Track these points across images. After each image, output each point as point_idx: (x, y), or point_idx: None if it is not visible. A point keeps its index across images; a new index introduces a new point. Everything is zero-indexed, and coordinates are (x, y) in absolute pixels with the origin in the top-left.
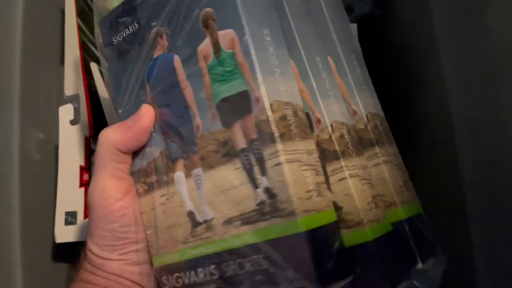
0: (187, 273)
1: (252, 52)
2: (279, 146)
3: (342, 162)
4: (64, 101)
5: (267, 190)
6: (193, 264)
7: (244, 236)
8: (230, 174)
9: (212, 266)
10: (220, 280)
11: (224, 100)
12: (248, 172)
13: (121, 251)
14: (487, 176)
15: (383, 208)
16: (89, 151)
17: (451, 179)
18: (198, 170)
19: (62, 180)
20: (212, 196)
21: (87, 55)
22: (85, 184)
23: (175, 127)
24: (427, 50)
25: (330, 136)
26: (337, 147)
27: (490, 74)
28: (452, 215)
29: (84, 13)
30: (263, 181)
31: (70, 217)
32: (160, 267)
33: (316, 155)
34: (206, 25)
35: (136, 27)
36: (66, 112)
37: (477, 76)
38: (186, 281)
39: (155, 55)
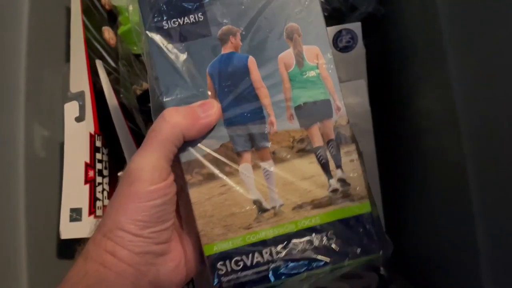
0: (250, 255)
1: (334, 68)
2: (354, 146)
3: (354, 146)
4: (69, 98)
5: (341, 180)
6: (257, 246)
7: (315, 217)
8: (304, 167)
9: (280, 246)
10: (286, 257)
11: (304, 104)
12: (324, 165)
13: (152, 229)
14: (494, 175)
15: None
16: (94, 148)
17: (456, 178)
18: (269, 163)
19: (67, 176)
20: (282, 186)
21: (92, 53)
22: (90, 180)
23: (243, 123)
24: (432, 49)
25: (348, 122)
26: (350, 133)
27: (496, 72)
28: (458, 215)
29: (89, 10)
30: (337, 173)
31: (75, 214)
32: (215, 254)
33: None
34: (291, 38)
35: (201, 19)
36: (71, 109)
37: (483, 75)
38: (248, 263)
39: (223, 52)
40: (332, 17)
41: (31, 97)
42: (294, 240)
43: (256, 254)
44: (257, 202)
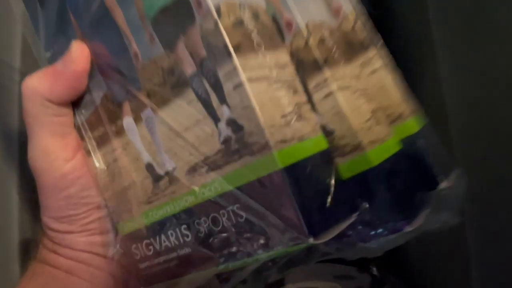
0: (157, 238)
1: None
2: (237, 61)
3: (327, 73)
4: None
5: (231, 122)
6: (161, 226)
7: (213, 184)
8: (184, 109)
9: (183, 226)
10: (195, 241)
11: (161, 11)
12: (205, 102)
13: (84, 220)
14: (483, 175)
15: (388, 124)
16: None
17: None
18: (148, 111)
19: None
20: (169, 141)
21: None
22: None
23: (112, 63)
24: (423, 51)
25: (307, 42)
26: (318, 55)
27: (486, 73)
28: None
29: None
30: (224, 111)
31: None
32: (126, 235)
33: (291, 68)
34: None
35: None
36: None
37: (472, 76)
38: (158, 248)
39: None
40: None
41: None
42: (197, 219)
43: (163, 237)
44: (149, 167)
